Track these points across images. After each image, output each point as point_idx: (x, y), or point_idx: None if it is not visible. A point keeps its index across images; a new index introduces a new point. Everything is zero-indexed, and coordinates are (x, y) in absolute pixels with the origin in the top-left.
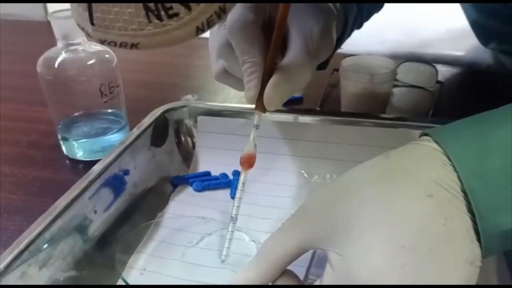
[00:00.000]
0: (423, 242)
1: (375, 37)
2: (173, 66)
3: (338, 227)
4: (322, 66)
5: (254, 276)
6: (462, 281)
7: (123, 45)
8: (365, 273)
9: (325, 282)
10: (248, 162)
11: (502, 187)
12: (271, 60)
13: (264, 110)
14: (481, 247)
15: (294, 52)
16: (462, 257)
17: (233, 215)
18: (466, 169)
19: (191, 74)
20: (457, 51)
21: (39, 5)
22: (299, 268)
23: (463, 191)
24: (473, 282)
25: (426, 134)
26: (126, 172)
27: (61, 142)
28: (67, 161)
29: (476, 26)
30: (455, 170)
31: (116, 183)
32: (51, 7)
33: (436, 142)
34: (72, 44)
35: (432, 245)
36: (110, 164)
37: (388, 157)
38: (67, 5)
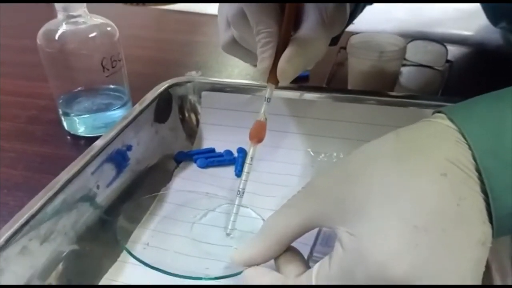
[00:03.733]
0: (436, 223)
1: (382, 15)
2: (175, 43)
3: (348, 206)
4: (333, 42)
5: (257, 252)
6: (473, 262)
7: None
8: (378, 254)
9: (335, 261)
10: (258, 135)
11: None
12: (286, 31)
13: (276, 83)
14: (492, 228)
15: (308, 24)
16: (475, 237)
17: (240, 189)
18: (481, 147)
19: (193, 50)
20: (466, 30)
21: None
22: (303, 246)
23: (477, 170)
24: (483, 262)
25: (439, 112)
26: (129, 148)
27: (62, 118)
28: (68, 137)
29: (486, 5)
30: (470, 149)
31: (118, 159)
32: None
33: (450, 120)
34: (73, 16)
35: (445, 226)
36: (112, 139)
37: (398, 134)
38: None
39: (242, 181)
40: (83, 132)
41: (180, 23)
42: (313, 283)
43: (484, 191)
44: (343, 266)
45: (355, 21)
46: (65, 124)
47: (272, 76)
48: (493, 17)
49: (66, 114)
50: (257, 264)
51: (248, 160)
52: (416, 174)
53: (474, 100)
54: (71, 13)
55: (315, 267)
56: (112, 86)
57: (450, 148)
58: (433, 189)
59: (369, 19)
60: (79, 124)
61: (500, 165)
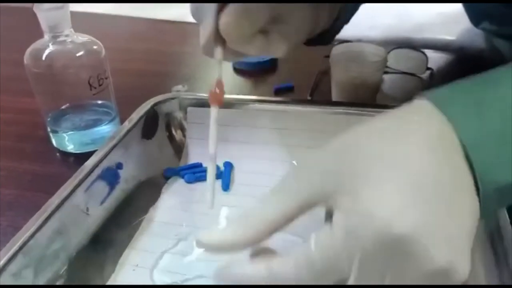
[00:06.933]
0: (435, 185)
1: (365, 22)
2: (162, 54)
3: (347, 175)
4: (326, 41)
5: (234, 237)
6: (468, 230)
7: None
8: (383, 212)
9: (337, 225)
10: (217, 98)
11: (499, 143)
12: None
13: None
14: (480, 204)
15: None
16: (468, 202)
17: (211, 153)
18: (464, 127)
19: (180, 61)
20: (449, 35)
21: None
22: None
23: (463, 149)
24: (473, 234)
25: (423, 96)
26: (119, 166)
27: (51, 135)
28: (58, 154)
29: (468, 4)
30: (454, 128)
31: (110, 177)
32: None
33: (434, 103)
34: (60, 36)
35: (443, 188)
36: (103, 159)
37: (389, 114)
38: None
39: (211, 145)
40: (72, 149)
41: (166, 34)
42: (313, 251)
43: (470, 168)
44: (347, 229)
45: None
46: (54, 141)
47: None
48: (475, 17)
49: (54, 131)
50: (225, 251)
51: (212, 122)
52: (410, 147)
53: (455, 83)
54: (57, 33)
55: (312, 238)
56: (99, 102)
57: (437, 128)
58: (430, 158)
59: (354, 26)
60: (68, 141)
61: (483, 142)
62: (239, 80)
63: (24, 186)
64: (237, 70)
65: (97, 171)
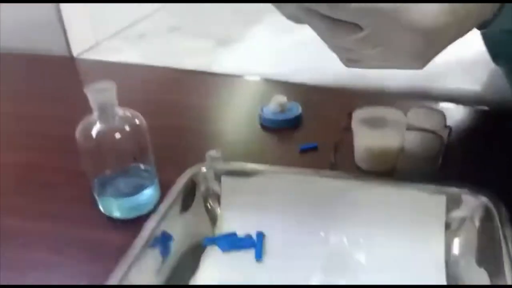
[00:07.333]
0: None
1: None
2: (189, 107)
3: None
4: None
5: None
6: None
7: None
8: None
9: None
10: None
11: None
12: None
13: None
14: None
15: None
16: None
17: None
18: None
19: (208, 115)
20: (470, 84)
21: (61, 40)
22: None
23: None
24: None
25: None
26: (169, 238)
27: (98, 200)
28: (105, 219)
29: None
30: None
31: (161, 249)
32: (74, 42)
33: None
34: (106, 112)
35: None
36: (153, 230)
37: None
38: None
39: None
40: (118, 215)
41: (191, 84)
42: None
43: None
44: None
45: (361, 74)
46: (101, 206)
47: None
48: (493, 53)
49: (101, 197)
50: None
51: None
52: None
53: None
54: (105, 111)
55: None
56: (142, 168)
57: None
58: None
59: (376, 75)
60: (113, 207)
61: None
62: (265, 136)
63: (76, 253)
64: (264, 127)
65: (150, 243)
